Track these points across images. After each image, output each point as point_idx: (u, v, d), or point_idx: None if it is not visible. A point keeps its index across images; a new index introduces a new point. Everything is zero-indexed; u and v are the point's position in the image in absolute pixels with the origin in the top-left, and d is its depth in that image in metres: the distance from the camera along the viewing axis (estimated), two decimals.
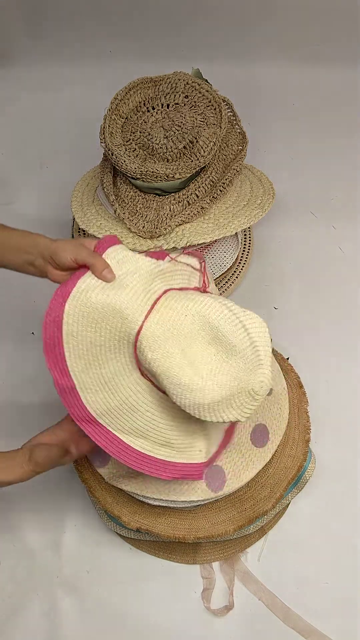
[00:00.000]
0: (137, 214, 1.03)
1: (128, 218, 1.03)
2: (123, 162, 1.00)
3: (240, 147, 1.08)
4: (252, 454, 0.85)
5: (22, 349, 1.16)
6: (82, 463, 0.94)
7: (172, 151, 0.99)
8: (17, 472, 0.77)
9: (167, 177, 0.99)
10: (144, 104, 1.04)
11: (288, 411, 0.91)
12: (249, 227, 1.19)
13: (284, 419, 0.89)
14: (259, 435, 0.86)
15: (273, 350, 1.01)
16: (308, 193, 1.33)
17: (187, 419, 0.73)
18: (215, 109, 1.01)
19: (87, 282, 0.72)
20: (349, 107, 1.47)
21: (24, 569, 0.97)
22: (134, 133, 1.02)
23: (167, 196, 1.03)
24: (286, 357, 1.03)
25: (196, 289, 0.77)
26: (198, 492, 0.82)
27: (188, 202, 1.02)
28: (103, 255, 0.74)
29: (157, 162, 1.00)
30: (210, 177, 1.03)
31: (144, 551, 0.98)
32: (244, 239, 1.23)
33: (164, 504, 0.84)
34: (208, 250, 1.11)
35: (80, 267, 0.74)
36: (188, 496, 0.82)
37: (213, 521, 0.88)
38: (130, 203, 1.04)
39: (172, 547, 0.96)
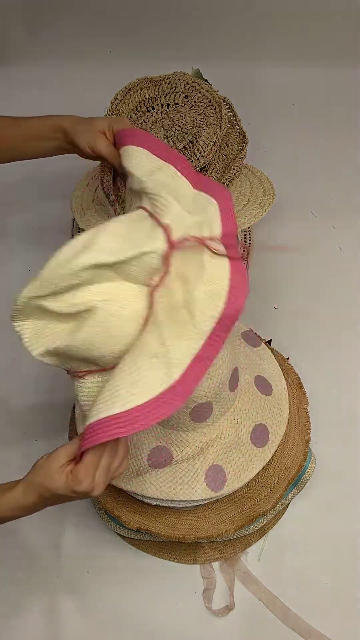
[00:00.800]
0: None
1: None
2: None
3: (240, 147, 1.08)
4: (252, 453, 0.85)
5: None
6: None
7: None
8: (12, 503, 0.63)
9: None
10: (144, 104, 1.04)
11: (288, 411, 0.91)
12: (249, 227, 1.19)
13: (284, 419, 0.89)
14: (259, 435, 0.87)
15: (273, 351, 1.01)
16: (308, 193, 1.33)
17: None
18: (215, 109, 1.01)
19: None
20: (349, 107, 1.47)
21: (24, 569, 0.97)
22: None
23: None
24: (286, 357, 1.03)
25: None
26: (198, 492, 0.82)
27: None
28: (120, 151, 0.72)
29: None
30: (210, 177, 1.03)
31: (144, 551, 0.98)
32: (243, 239, 1.23)
33: (164, 504, 0.84)
34: None
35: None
36: (188, 496, 0.82)
37: (213, 521, 0.88)
38: None
39: (172, 547, 0.96)
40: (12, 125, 0.81)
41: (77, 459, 0.61)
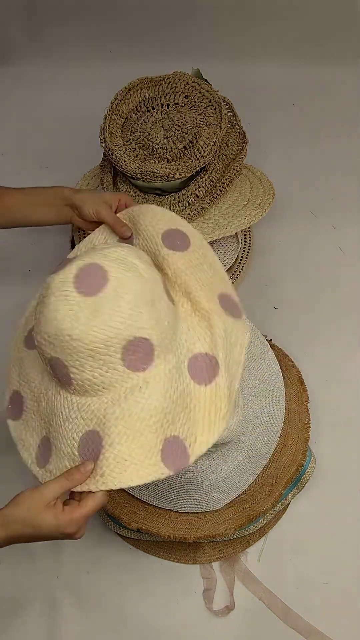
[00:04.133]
0: None
1: None
2: (123, 162, 1.00)
3: (240, 147, 1.08)
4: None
5: None
6: None
7: (172, 151, 0.99)
8: None
9: (167, 177, 0.99)
10: (144, 104, 1.04)
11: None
12: (249, 227, 1.19)
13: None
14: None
15: (273, 347, 1.01)
16: (308, 193, 1.33)
17: None
18: (215, 109, 1.01)
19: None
20: (349, 107, 1.47)
21: (24, 569, 0.97)
22: (134, 133, 1.02)
23: (167, 196, 1.03)
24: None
25: None
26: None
27: (188, 202, 1.02)
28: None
29: (157, 162, 1.00)
30: (210, 177, 1.03)
31: (144, 551, 0.98)
32: (244, 239, 1.23)
33: None
34: None
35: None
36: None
37: (213, 521, 0.88)
38: None
39: (172, 547, 0.96)
40: (18, 191, 0.89)
41: (73, 497, 0.61)
